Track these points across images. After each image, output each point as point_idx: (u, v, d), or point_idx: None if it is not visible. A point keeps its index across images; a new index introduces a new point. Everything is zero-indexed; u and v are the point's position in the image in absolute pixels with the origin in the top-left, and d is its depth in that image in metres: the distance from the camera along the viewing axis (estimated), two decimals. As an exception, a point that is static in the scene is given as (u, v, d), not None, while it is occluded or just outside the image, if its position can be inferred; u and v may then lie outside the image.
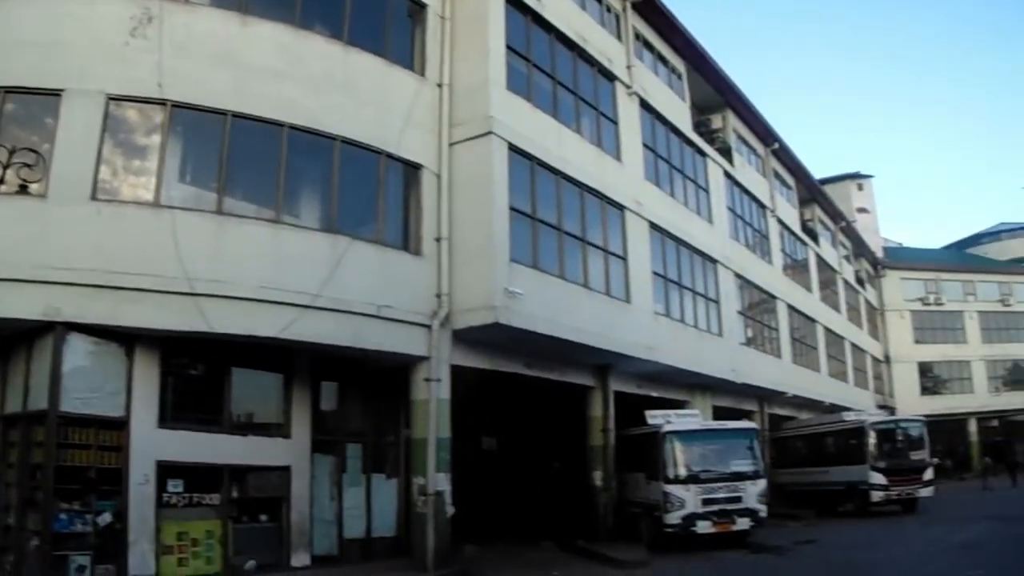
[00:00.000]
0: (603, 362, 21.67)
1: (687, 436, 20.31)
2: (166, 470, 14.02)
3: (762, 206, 34.42)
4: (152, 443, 13.75)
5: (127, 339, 13.60)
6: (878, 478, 27.26)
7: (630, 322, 21.22)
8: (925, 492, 28.02)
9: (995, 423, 62.06)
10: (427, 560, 15.71)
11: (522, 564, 17.98)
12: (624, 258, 21.65)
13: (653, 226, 23.33)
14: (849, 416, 30.77)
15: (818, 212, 44.83)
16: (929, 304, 59.09)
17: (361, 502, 17.37)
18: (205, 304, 13.33)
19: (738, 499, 19.74)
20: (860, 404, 42.57)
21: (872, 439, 28.01)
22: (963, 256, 70.86)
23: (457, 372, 17.16)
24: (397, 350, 15.98)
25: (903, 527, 23.36)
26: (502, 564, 17.91)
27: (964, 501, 31.96)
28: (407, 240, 16.74)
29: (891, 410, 51.34)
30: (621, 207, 21.77)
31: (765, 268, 33.23)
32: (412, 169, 16.90)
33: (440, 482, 16.35)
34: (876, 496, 27.29)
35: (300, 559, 15.75)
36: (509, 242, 17.03)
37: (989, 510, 26.37)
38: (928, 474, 28.43)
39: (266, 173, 14.74)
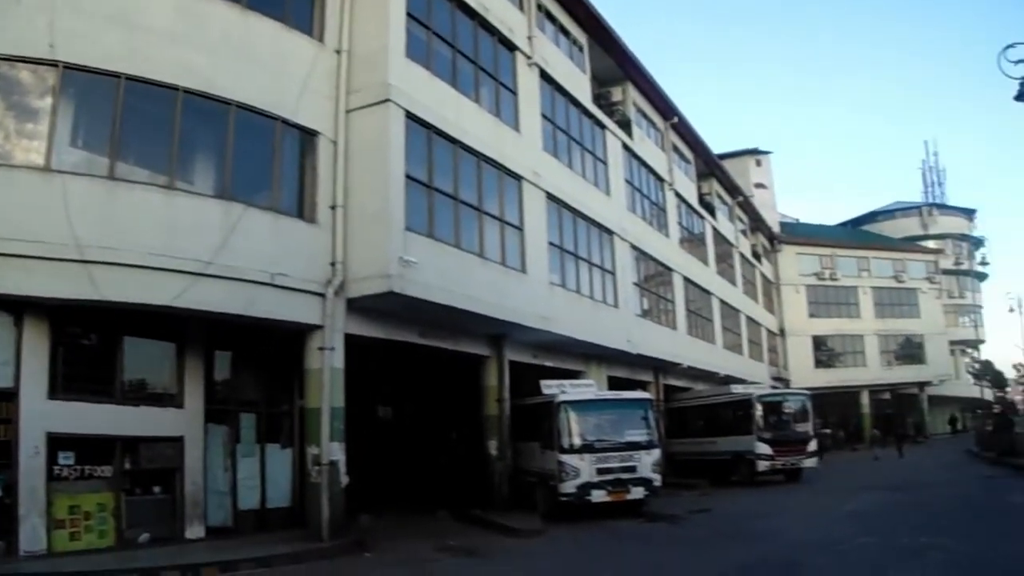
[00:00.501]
0: (498, 332, 22.19)
1: (582, 406, 20.90)
2: (57, 442, 14.02)
3: (660, 179, 35.47)
4: (42, 414, 13.76)
5: (16, 308, 13.59)
6: (764, 449, 29.07)
7: (525, 292, 21.74)
8: (809, 463, 29.97)
9: (887, 396, 65.37)
10: (322, 530, 15.99)
11: (418, 533, 18.28)
12: (520, 228, 22.14)
13: (550, 197, 23.88)
14: (737, 389, 32.61)
15: (716, 186, 46.25)
16: (824, 279, 61.68)
17: (255, 472, 17.65)
18: (96, 272, 13.29)
19: (633, 468, 20.41)
20: (755, 376, 44.73)
21: (758, 411, 29.78)
22: (858, 233, 73.95)
23: (352, 341, 17.45)
24: (291, 319, 16.17)
25: (796, 497, 24.71)
26: (397, 533, 18.21)
27: (853, 471, 34.05)
28: (302, 207, 16.87)
29: (786, 382, 53.51)
30: (518, 177, 22.23)
31: (662, 240, 34.31)
32: (308, 136, 17.00)
33: (334, 452, 16.66)
34: (762, 466, 29.08)
35: (194, 531, 15.91)
36: (405, 211, 17.32)
37: (876, 480, 28.10)
38: (812, 445, 30.39)
39: (160, 138, 14.70)
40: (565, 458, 19.95)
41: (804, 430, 30.54)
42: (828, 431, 51.54)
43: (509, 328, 21.81)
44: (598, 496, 19.91)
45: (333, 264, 16.87)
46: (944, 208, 79.85)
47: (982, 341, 75.46)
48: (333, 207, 17.09)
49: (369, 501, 20.11)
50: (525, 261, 22.09)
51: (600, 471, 20.01)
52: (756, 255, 54.28)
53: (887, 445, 45.32)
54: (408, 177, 17.64)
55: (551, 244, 23.90)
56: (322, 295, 16.60)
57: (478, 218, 20.43)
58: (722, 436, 31.36)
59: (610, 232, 28.21)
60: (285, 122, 16.38)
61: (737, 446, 30.03)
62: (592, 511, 20.05)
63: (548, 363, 25.45)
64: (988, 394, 71.07)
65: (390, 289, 16.66)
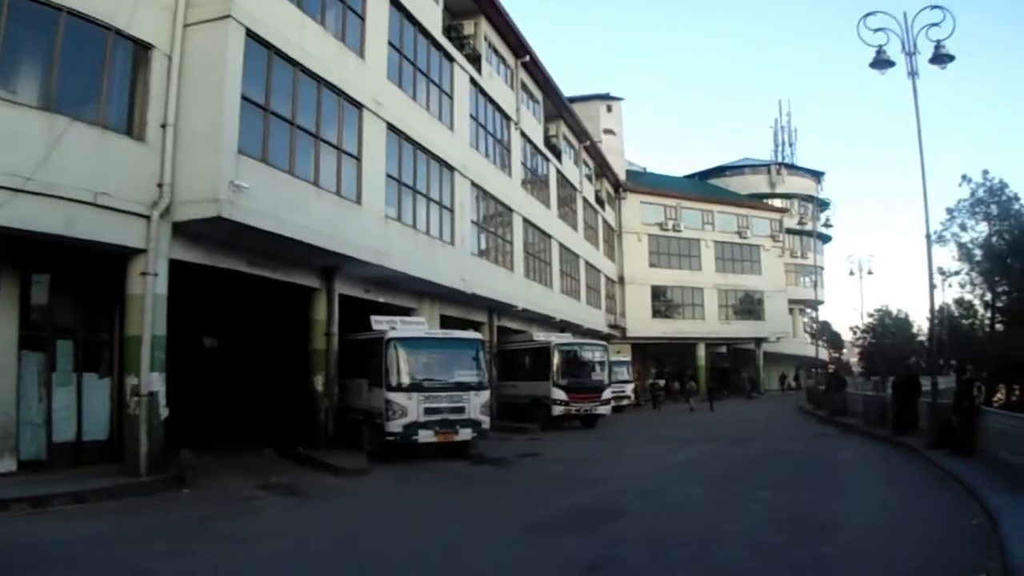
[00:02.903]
0: (329, 264, 22.69)
1: (411, 343, 21.71)
2: None
3: (507, 118, 36.49)
4: None
5: None
6: (559, 394, 32.13)
7: (359, 224, 22.28)
8: (603, 410, 33.54)
9: (724, 349, 68.56)
10: (140, 465, 16.26)
11: (240, 470, 18.76)
12: (358, 158, 22.55)
13: (391, 128, 24.35)
14: (539, 336, 35.24)
15: (563, 129, 47.65)
16: (667, 230, 64.46)
17: (72, 403, 17.50)
18: (-99, 184, 12.99)
19: (461, 409, 21.46)
20: (591, 322, 47.34)
21: (556, 358, 32.58)
22: (705, 186, 77.22)
23: (177, 267, 17.66)
24: (113, 241, 16.15)
25: (628, 445, 26.57)
26: (219, 470, 18.58)
27: (675, 423, 37.02)
28: (131, 124, 16.68)
29: (622, 330, 55.78)
30: (359, 105, 22.58)
31: (504, 180, 35.42)
32: (142, 49, 16.79)
33: (154, 382, 16.86)
34: (557, 411, 32.08)
35: (5, 464, 15.74)
36: (238, 133, 17.49)
37: (705, 432, 30.76)
38: (607, 394, 33.92)
39: (-20, 42, 14.36)
40: (392, 396, 20.70)
41: (599, 379, 33.90)
42: (661, 381, 54.01)
43: (341, 261, 22.31)
44: (425, 436, 20.82)
45: (160, 185, 16.84)
46: (793, 168, 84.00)
47: (821, 302, 79.75)
48: (164, 125, 16.99)
49: (191, 435, 20.25)
50: (361, 192, 22.56)
51: (428, 411, 20.92)
52: (600, 201, 56.22)
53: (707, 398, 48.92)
54: (244, 98, 17.79)
55: (389, 176, 24.44)
56: (147, 217, 16.62)
57: (315, 145, 20.68)
58: (525, 381, 33.88)
59: (451, 168, 28.94)
60: (119, 33, 16.09)
61: (536, 391, 32.77)
62: (419, 451, 21.04)
63: (380, 299, 26.19)
64: (824, 354, 75.25)
65: (218, 214, 16.86)
